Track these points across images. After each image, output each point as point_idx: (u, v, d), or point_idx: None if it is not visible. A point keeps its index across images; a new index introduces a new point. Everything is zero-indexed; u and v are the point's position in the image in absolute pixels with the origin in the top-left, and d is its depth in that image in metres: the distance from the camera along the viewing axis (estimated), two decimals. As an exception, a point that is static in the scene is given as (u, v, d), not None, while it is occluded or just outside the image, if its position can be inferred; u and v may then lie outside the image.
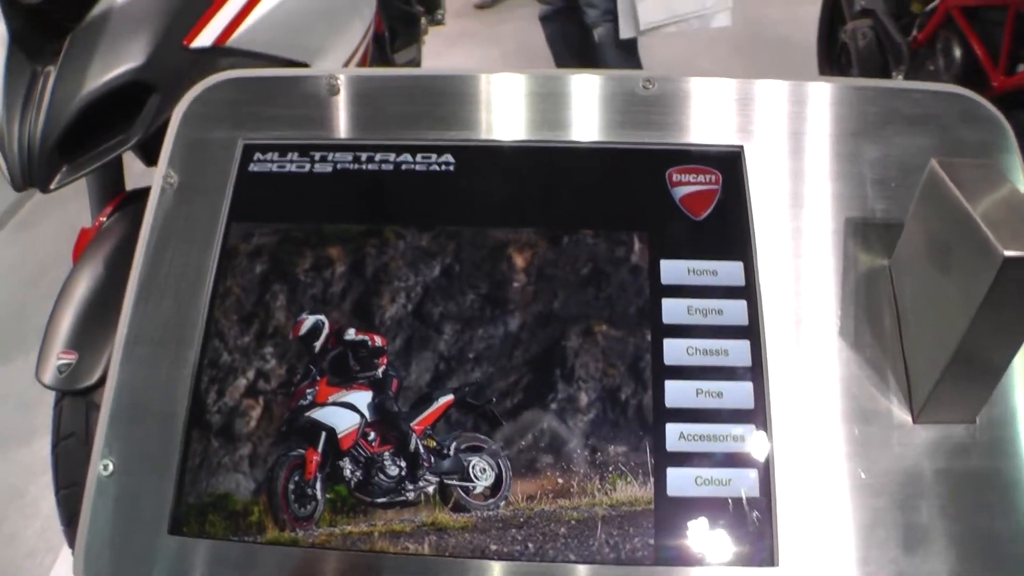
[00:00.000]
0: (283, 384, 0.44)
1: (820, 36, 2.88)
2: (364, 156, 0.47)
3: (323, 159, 0.47)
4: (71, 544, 1.26)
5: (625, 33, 2.32)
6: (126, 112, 1.09)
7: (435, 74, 0.49)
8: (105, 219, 1.31)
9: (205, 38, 1.13)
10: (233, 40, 1.15)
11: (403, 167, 0.46)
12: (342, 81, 0.49)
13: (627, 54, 2.45)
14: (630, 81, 0.48)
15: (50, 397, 1.99)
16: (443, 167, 0.46)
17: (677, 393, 0.42)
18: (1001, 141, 0.48)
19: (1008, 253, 0.32)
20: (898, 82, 0.50)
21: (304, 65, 1.34)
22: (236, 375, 0.44)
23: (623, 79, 0.48)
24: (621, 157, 0.46)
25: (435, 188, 0.46)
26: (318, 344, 0.44)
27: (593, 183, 0.46)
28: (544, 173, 0.46)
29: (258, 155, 0.48)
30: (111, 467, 0.45)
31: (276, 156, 0.47)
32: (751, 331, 0.43)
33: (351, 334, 0.44)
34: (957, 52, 2.04)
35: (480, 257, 0.44)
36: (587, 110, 0.47)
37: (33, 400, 2.03)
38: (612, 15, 2.39)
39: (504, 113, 0.47)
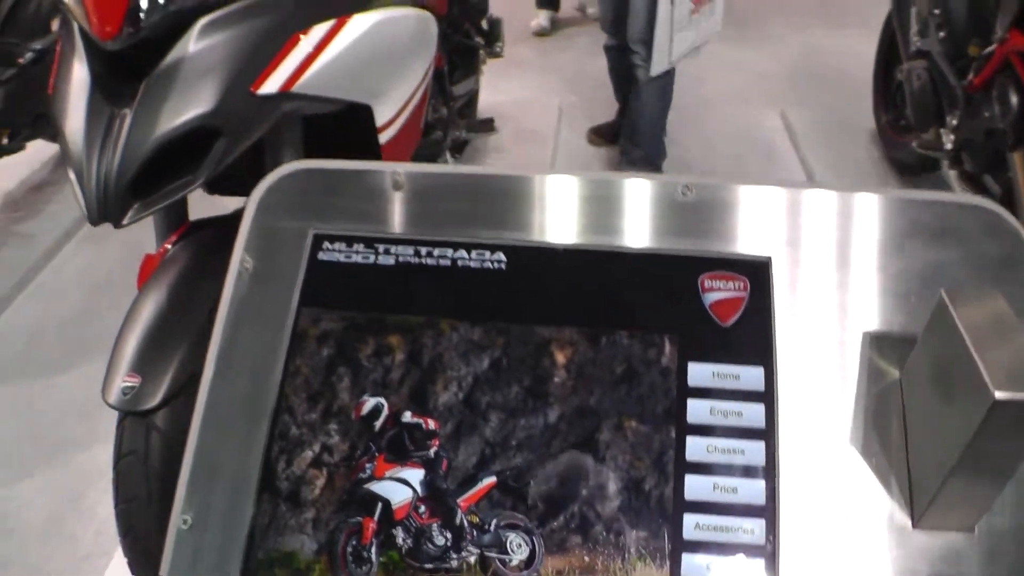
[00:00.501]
0: (345, 458, 0.50)
1: (876, 73, 2.89)
2: (424, 251, 0.52)
3: (386, 252, 0.53)
4: (127, 554, 1.34)
5: (656, 70, 2.51)
6: (194, 152, 1.15)
7: (489, 173, 0.54)
8: (170, 247, 1.38)
9: (271, 85, 1.19)
10: (298, 86, 1.21)
11: (459, 263, 0.51)
12: (405, 176, 0.55)
13: (664, 92, 2.65)
14: (671, 186, 0.53)
15: (107, 407, 2.09)
16: (495, 265, 0.51)
17: (696, 487, 0.47)
18: (1023, 256, 0.51)
19: (999, 395, 0.36)
20: (923, 192, 0.53)
21: (365, 105, 1.40)
22: (303, 447, 0.50)
23: (664, 184, 0.53)
24: (658, 263, 0.51)
25: (488, 285, 0.51)
26: (378, 424, 0.50)
27: (631, 287, 0.50)
28: (586, 276, 0.51)
29: (327, 244, 0.54)
30: (189, 522, 0.51)
31: (343, 247, 0.53)
32: (767, 433, 0.47)
33: (407, 417, 0.50)
34: (1014, 99, 2.02)
35: (525, 353, 0.49)
36: (629, 215, 0.52)
37: (94, 409, 2.12)
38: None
39: (552, 216, 0.53)
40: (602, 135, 3.15)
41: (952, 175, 2.48)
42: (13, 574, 1.81)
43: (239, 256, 0.54)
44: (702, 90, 3.62)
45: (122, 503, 1.25)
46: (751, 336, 0.49)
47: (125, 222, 1.14)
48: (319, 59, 1.24)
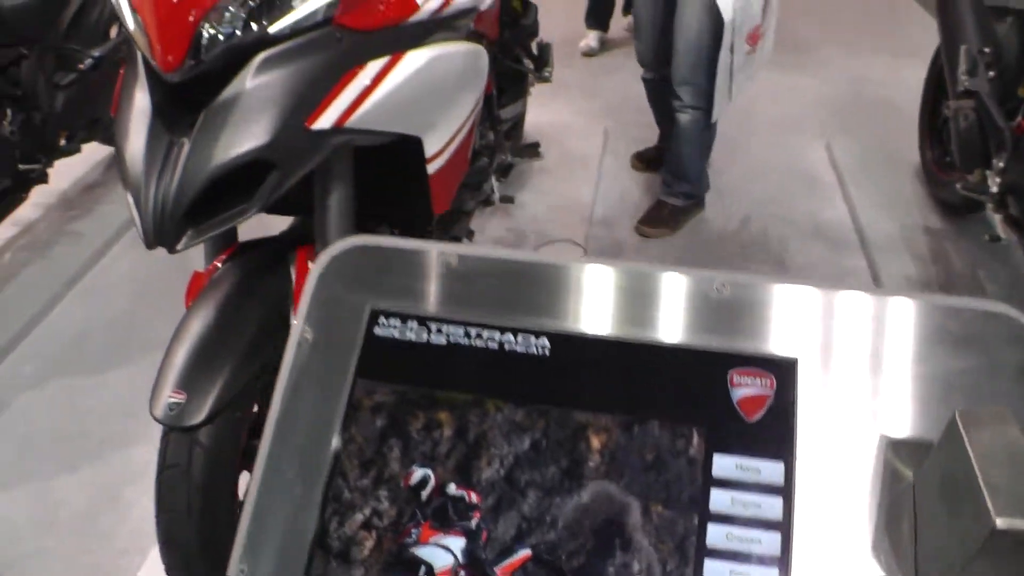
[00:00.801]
0: (393, 523, 0.54)
1: (923, 108, 2.88)
2: (473, 332, 0.57)
3: (438, 331, 0.57)
4: (165, 561, 1.39)
5: (717, 115, 2.53)
6: (248, 181, 1.19)
7: (537, 261, 0.59)
8: (219, 266, 1.44)
9: (325, 121, 1.22)
10: (351, 122, 1.25)
11: (506, 346, 0.56)
12: (457, 259, 0.59)
13: (705, 137, 2.67)
14: (706, 282, 0.57)
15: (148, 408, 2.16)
16: (539, 350, 0.56)
17: (713, 572, 0.51)
18: None
19: (1000, 523, 0.39)
20: (946, 298, 0.56)
21: (415, 137, 1.44)
22: (355, 510, 0.55)
23: (700, 280, 0.57)
24: (691, 357, 0.55)
25: (531, 369, 0.56)
26: (424, 493, 0.55)
27: (664, 379, 0.55)
28: (623, 366, 0.55)
29: (383, 320, 0.58)
30: (246, 571, 0.56)
31: (398, 323, 0.58)
32: (783, 525, 0.51)
33: (452, 489, 0.54)
34: (1064, 144, 2.03)
35: (563, 436, 0.54)
36: (665, 309, 0.56)
37: (134, 409, 2.19)
38: (698, 107, 2.58)
39: (593, 306, 0.57)
40: (645, 161, 3.17)
41: (996, 219, 2.48)
42: (51, 566, 1.87)
43: (300, 327, 0.59)
44: (749, 118, 3.62)
45: (163, 513, 1.30)
46: (774, 432, 0.53)
47: (179, 248, 1.19)
48: (372, 95, 1.27)
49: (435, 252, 0.59)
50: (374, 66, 1.28)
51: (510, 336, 0.56)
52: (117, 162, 1.24)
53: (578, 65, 4.39)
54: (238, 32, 1.16)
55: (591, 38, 4.43)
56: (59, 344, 2.50)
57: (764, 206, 2.93)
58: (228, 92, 1.17)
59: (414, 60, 1.34)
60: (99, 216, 3.13)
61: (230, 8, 1.15)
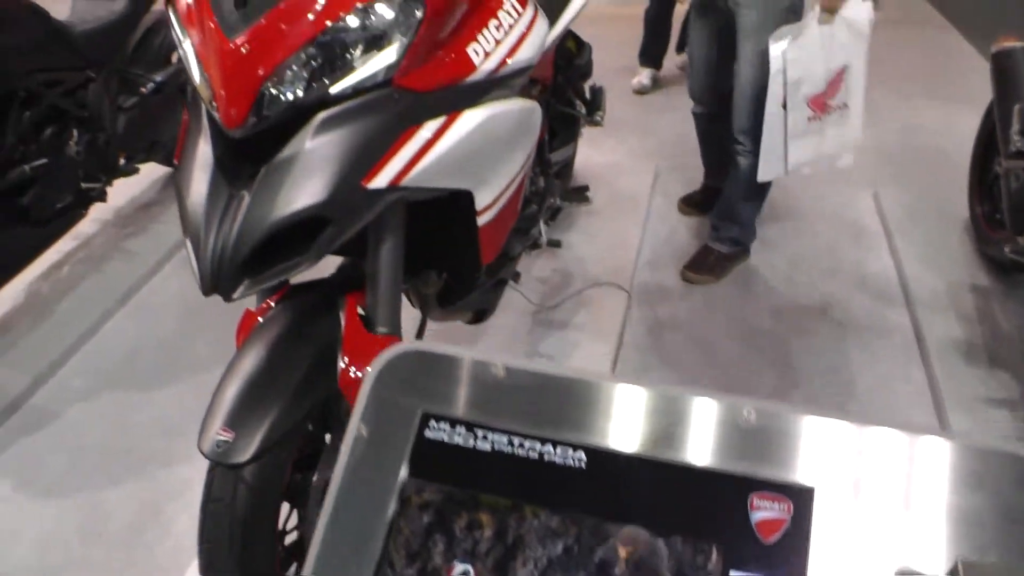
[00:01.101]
0: (435, 611, 0.60)
1: (974, 162, 2.87)
2: (516, 441, 0.63)
3: (483, 437, 0.63)
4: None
5: (765, 175, 2.49)
6: (304, 234, 1.23)
7: (580, 379, 0.64)
8: (272, 305, 1.49)
9: (381, 180, 1.25)
10: (406, 180, 1.28)
11: (545, 457, 0.62)
12: (505, 371, 0.65)
13: (760, 184, 2.61)
14: (735, 408, 0.62)
15: (192, 427, 2.26)
16: (576, 463, 0.61)
17: None
18: None
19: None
20: (964, 438, 0.60)
21: (467, 192, 1.47)
22: (401, 598, 0.61)
23: (729, 406, 0.62)
24: (715, 479, 0.60)
25: (568, 479, 0.61)
26: None
27: (689, 498, 0.60)
28: (652, 483, 0.61)
29: (432, 423, 0.64)
30: (298, 648, 0.63)
31: (447, 427, 0.64)
32: None
33: None
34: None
35: (594, 543, 0.59)
36: (694, 432, 0.62)
37: (178, 427, 2.30)
38: (756, 153, 2.54)
39: (627, 425, 0.62)
40: (692, 205, 3.19)
41: (1047, 283, 2.49)
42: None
43: (356, 424, 0.65)
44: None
45: (205, 543, 1.34)
46: (789, 555, 0.57)
47: (235, 296, 1.24)
48: (428, 155, 1.30)
49: (483, 362, 0.65)
50: (430, 126, 1.31)
51: (549, 447, 0.62)
52: (179, 208, 1.30)
53: (630, 102, 4.43)
54: (300, 92, 1.21)
55: (644, 75, 4.48)
56: (110, 359, 2.62)
57: (809, 256, 2.93)
58: (288, 150, 1.21)
59: (470, 120, 1.37)
60: (153, 235, 3.26)
61: (293, 68, 1.20)
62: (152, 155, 3.27)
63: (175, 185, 1.32)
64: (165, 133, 3.25)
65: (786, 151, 2.43)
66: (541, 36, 1.58)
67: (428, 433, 0.64)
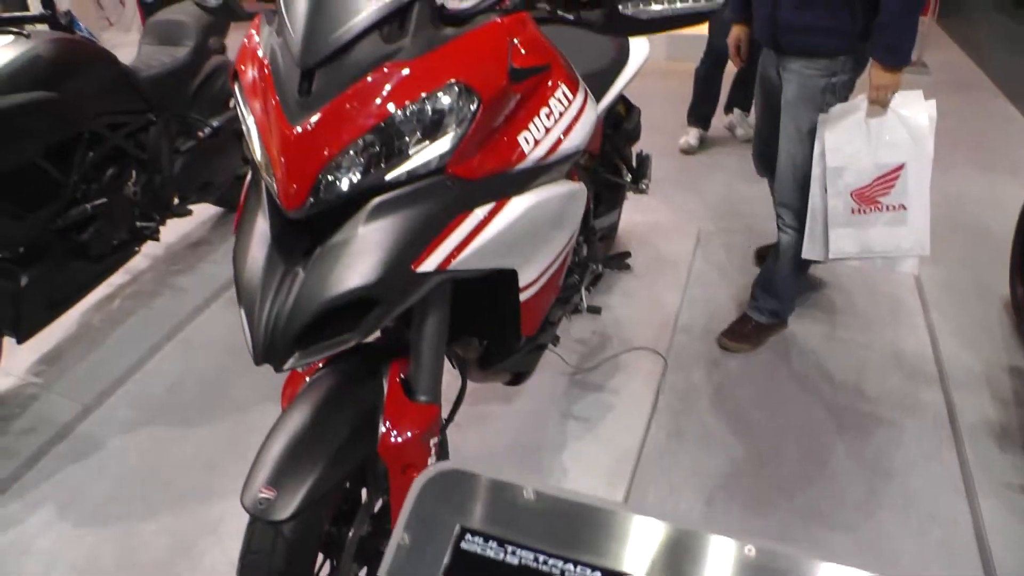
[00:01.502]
0: None
1: (1016, 241, 2.89)
2: (542, 559, 0.71)
3: (513, 553, 0.72)
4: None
5: (808, 254, 2.48)
6: (354, 311, 1.29)
7: (601, 507, 0.73)
8: (319, 366, 1.54)
9: (430, 264, 1.30)
10: (453, 264, 1.33)
11: (566, 574, 0.70)
12: (535, 494, 0.74)
13: (802, 260, 2.62)
14: (740, 545, 0.69)
15: (229, 464, 2.36)
16: None
17: None
18: None
19: None
20: None
21: (511, 271, 1.53)
22: None
23: (733, 545, 0.70)
24: None
25: None
26: None
27: None
28: None
29: (469, 536, 0.73)
30: None
31: (481, 541, 0.72)
32: None
33: None
34: None
35: None
36: (700, 563, 0.69)
37: (215, 463, 2.41)
38: (797, 229, 2.57)
39: (641, 551, 0.70)
40: (762, 257, 3.18)
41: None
42: (130, 606, 2.06)
43: (399, 532, 0.74)
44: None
45: None
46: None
47: (285, 368, 1.30)
48: (476, 240, 1.36)
49: (515, 486, 0.74)
50: (479, 212, 1.36)
51: (570, 566, 0.70)
52: (235, 278, 1.37)
53: (677, 161, 4.50)
54: (357, 178, 1.28)
55: (692, 136, 4.55)
56: (154, 393, 2.75)
57: (846, 328, 2.95)
58: (343, 233, 1.27)
59: (517, 206, 1.43)
60: (201, 273, 3.40)
61: (351, 152, 1.27)
62: (205, 196, 3.42)
63: (233, 255, 1.39)
64: (218, 175, 3.40)
65: (826, 239, 2.42)
66: (590, 122, 1.64)
67: (464, 545, 0.73)
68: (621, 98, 2.60)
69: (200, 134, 3.19)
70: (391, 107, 1.26)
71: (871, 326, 2.97)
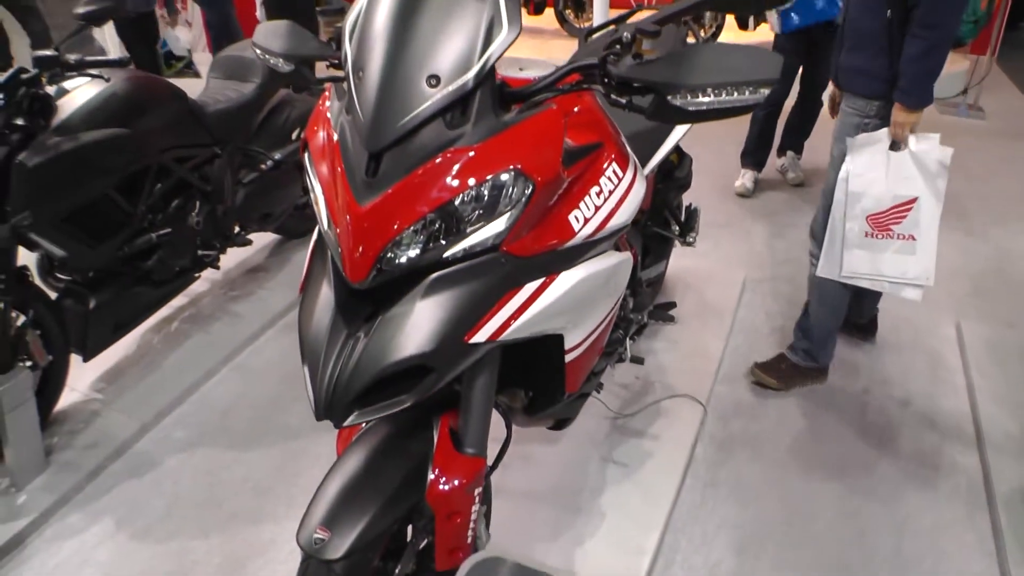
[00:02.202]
0: None
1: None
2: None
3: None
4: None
5: (823, 272, 2.70)
6: (408, 375, 1.39)
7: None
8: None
9: (481, 336, 1.40)
10: (503, 336, 1.44)
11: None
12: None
13: (836, 302, 2.81)
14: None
15: (279, 489, 2.50)
16: None
17: None
18: None
19: None
20: None
21: (558, 335, 1.64)
22: None
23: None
24: None
25: None
26: None
27: None
28: None
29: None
30: None
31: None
32: None
33: None
34: None
35: None
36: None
37: (266, 488, 2.56)
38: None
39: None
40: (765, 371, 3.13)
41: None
42: (182, 621, 2.21)
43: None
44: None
45: None
46: None
47: (345, 424, 1.42)
48: (525, 313, 1.46)
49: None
50: (529, 287, 1.46)
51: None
52: (299, 336, 1.49)
53: (728, 203, 4.59)
54: (417, 254, 1.37)
55: (747, 178, 4.66)
56: (209, 415, 2.92)
57: (883, 383, 3.02)
58: (402, 305, 1.38)
59: (566, 280, 1.53)
60: (258, 300, 3.58)
61: (412, 230, 1.37)
62: (265, 226, 3.61)
63: (299, 315, 1.52)
64: (278, 206, 3.59)
65: (841, 259, 2.64)
66: (638, 198, 1.75)
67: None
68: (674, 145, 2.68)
69: (262, 167, 3.37)
70: (452, 191, 1.36)
71: (909, 382, 3.02)
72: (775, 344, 3.27)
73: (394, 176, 1.36)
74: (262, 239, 3.98)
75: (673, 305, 2.96)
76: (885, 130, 2.50)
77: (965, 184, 4.77)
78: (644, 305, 2.69)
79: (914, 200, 2.51)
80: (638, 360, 2.50)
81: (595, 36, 2.86)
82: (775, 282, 3.77)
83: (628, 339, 2.47)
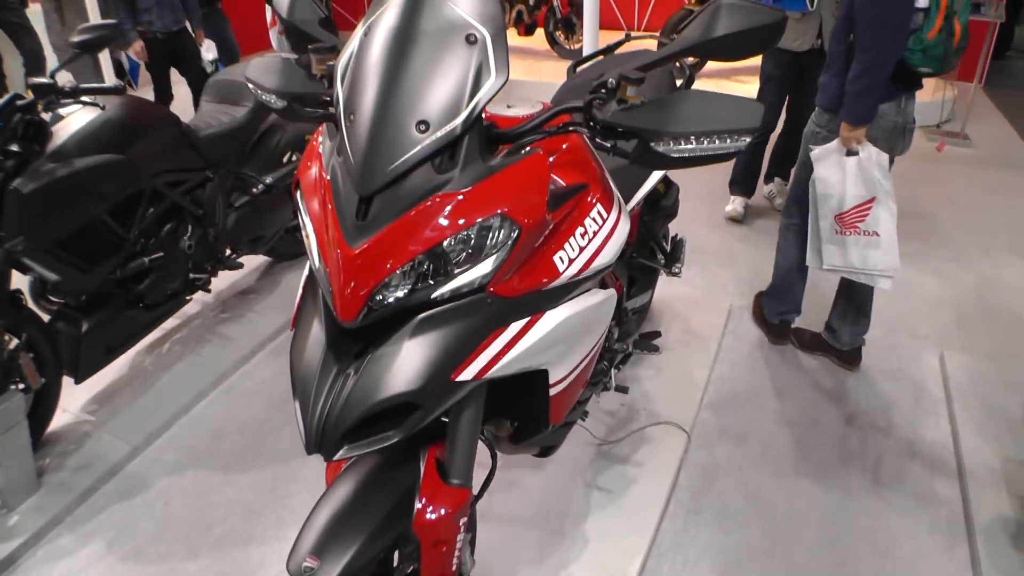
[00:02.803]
0: None
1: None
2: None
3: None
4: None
5: (810, 262, 3.10)
6: (396, 412, 1.44)
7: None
8: None
9: (468, 374, 1.45)
10: (489, 373, 1.49)
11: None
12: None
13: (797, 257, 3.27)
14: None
15: (268, 512, 2.55)
16: None
17: None
18: None
19: None
20: None
21: (544, 371, 1.68)
22: None
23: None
24: None
25: None
26: None
27: None
28: None
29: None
30: None
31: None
32: None
33: None
34: None
35: None
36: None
37: (255, 510, 2.62)
38: (794, 222, 3.28)
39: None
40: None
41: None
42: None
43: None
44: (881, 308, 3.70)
45: None
46: None
47: (335, 458, 1.47)
48: (510, 352, 1.51)
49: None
50: (515, 326, 1.52)
51: None
52: (291, 372, 1.54)
53: (718, 230, 4.67)
54: (405, 295, 1.42)
55: (738, 203, 4.76)
56: (199, 438, 2.98)
57: (866, 412, 3.08)
58: (390, 344, 1.43)
59: (551, 319, 1.58)
60: (248, 322, 3.64)
61: (401, 272, 1.42)
62: (256, 248, 3.67)
63: (291, 350, 1.57)
64: (269, 229, 3.66)
65: (821, 249, 3.01)
66: (623, 237, 1.80)
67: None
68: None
69: (254, 190, 3.44)
70: (440, 235, 1.40)
71: (892, 412, 3.08)
72: (760, 374, 3.34)
73: (384, 219, 1.40)
74: (253, 261, 4.03)
75: (658, 334, 3.01)
76: (837, 140, 2.85)
77: (952, 212, 4.86)
78: (629, 334, 2.74)
79: (872, 200, 2.86)
80: (622, 389, 2.56)
81: (582, 67, 2.93)
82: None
83: (613, 368, 2.53)
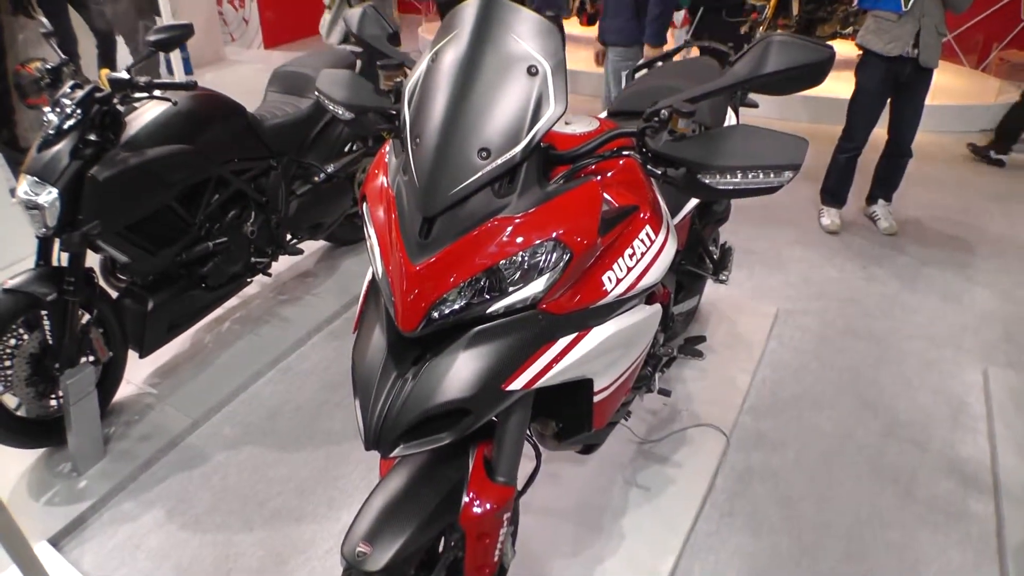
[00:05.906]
0: None
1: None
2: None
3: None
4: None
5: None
6: (449, 415, 1.56)
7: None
8: None
9: (517, 384, 1.56)
10: (537, 384, 1.61)
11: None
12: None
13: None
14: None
15: (319, 490, 2.70)
16: None
17: None
18: None
19: None
20: None
21: (589, 380, 1.79)
22: None
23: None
24: None
25: None
26: None
27: None
28: None
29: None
30: None
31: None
32: None
33: None
34: None
35: None
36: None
37: (307, 488, 2.78)
38: None
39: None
40: None
41: None
42: (224, 611, 2.44)
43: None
44: (908, 324, 3.80)
45: None
46: None
47: (391, 455, 1.60)
48: (558, 364, 1.61)
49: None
50: (563, 341, 1.62)
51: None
52: (352, 373, 1.67)
53: (757, 238, 4.68)
54: (462, 309, 1.53)
55: (833, 214, 4.81)
56: (256, 415, 3.16)
57: (904, 426, 3.13)
58: (446, 354, 1.54)
59: (597, 335, 1.68)
60: (306, 305, 3.81)
61: (459, 289, 1.51)
62: (316, 234, 3.84)
63: (353, 352, 1.70)
64: (329, 216, 3.82)
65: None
66: (669, 258, 1.90)
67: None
68: None
69: (315, 179, 3.59)
70: (497, 256, 1.51)
71: (930, 426, 3.13)
72: (800, 377, 3.41)
73: (445, 240, 1.51)
74: (311, 245, 4.20)
75: (703, 339, 3.09)
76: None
77: (1007, 227, 4.84)
78: (674, 337, 2.83)
79: None
80: (665, 393, 2.65)
81: (641, 73, 3.01)
82: (807, 315, 3.90)
83: (657, 372, 2.63)
